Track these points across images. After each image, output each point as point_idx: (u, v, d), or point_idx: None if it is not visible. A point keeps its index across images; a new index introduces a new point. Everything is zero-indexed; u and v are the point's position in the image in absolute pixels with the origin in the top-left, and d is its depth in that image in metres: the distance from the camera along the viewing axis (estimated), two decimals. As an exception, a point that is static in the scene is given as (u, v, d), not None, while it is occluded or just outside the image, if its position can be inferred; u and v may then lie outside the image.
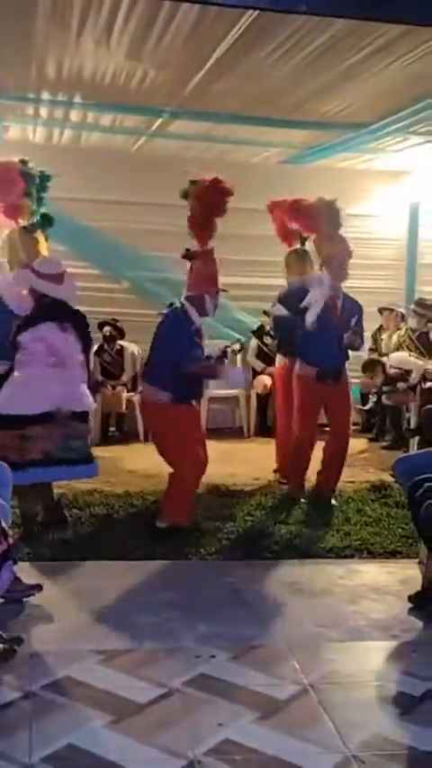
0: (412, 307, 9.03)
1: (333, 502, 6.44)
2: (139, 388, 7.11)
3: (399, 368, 8.49)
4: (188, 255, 5.91)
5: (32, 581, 4.39)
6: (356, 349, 6.72)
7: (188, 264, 5.87)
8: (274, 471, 7.31)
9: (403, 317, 9.24)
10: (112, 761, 2.99)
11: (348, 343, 6.38)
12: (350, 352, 6.67)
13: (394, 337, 9.12)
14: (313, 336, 6.39)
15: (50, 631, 4.08)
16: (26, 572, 4.38)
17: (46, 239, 6.21)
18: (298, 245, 7.31)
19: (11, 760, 2.97)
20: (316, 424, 6.72)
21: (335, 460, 6.63)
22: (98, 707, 3.35)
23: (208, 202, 6.02)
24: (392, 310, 9.36)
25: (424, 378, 8.32)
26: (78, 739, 3.11)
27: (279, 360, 7.35)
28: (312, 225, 6.77)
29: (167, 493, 5.73)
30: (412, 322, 8.88)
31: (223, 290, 5.77)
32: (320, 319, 6.36)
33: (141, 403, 5.77)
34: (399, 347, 8.86)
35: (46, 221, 6.27)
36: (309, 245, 7.06)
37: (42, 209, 6.37)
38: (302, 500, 6.51)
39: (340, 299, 6.52)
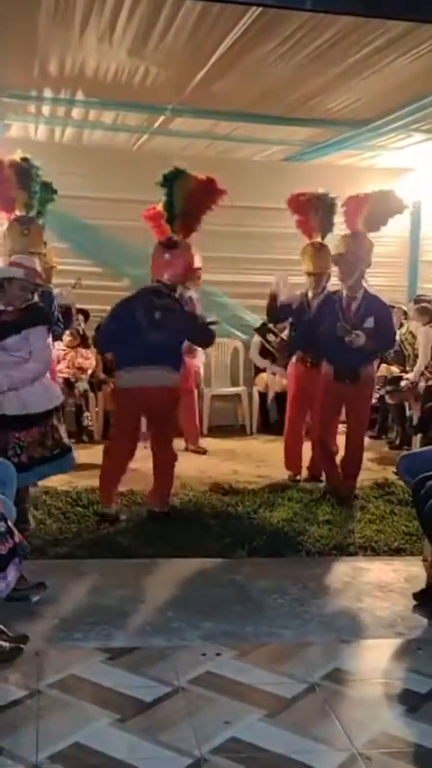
0: (414, 307, 9.00)
1: (351, 499, 6.46)
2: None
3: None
4: (171, 244, 5.94)
5: (37, 579, 4.38)
6: (371, 350, 6.48)
7: (162, 251, 5.91)
8: (286, 467, 7.30)
9: (406, 314, 9.23)
10: (118, 759, 2.99)
11: (348, 343, 6.22)
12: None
13: (396, 335, 9.08)
14: (330, 337, 6.39)
15: (56, 629, 4.07)
16: (31, 570, 4.37)
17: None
18: (317, 239, 7.24)
19: (17, 758, 2.97)
20: (335, 423, 6.75)
21: (351, 459, 6.69)
22: (104, 705, 3.35)
23: (203, 201, 6.04)
24: (394, 307, 9.34)
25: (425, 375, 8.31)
26: (84, 738, 3.11)
27: (294, 357, 7.29)
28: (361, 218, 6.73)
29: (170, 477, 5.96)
30: (421, 319, 8.80)
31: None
32: (334, 320, 6.38)
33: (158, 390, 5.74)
34: (401, 344, 8.84)
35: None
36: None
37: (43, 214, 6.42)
38: (324, 497, 6.54)
39: (357, 299, 6.47)
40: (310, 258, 7.08)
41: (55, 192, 6.49)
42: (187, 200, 6.11)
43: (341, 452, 6.73)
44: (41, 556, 4.95)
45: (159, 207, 6.86)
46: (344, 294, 6.51)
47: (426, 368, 8.26)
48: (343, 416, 6.89)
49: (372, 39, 5.28)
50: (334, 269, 6.94)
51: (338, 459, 6.73)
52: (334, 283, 7.04)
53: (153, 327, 5.67)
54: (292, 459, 7.25)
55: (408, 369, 8.60)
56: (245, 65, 5.93)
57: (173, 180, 6.11)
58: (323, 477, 6.91)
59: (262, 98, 6.85)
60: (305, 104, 7.00)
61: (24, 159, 6.06)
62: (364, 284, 6.58)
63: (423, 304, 8.50)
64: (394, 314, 9.20)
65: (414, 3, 4.24)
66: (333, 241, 6.95)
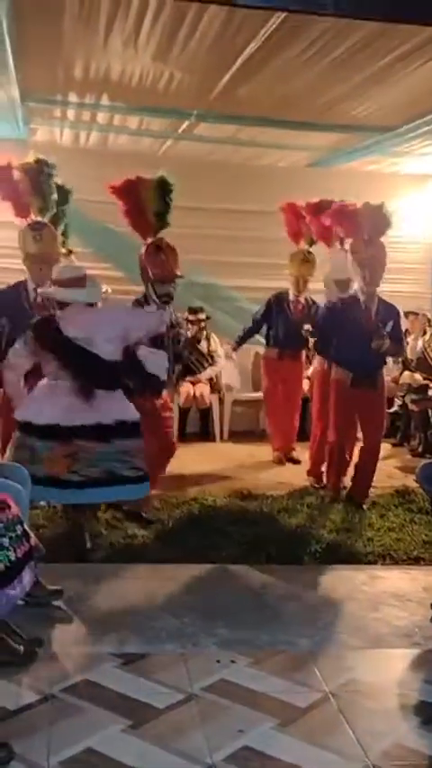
0: None
1: (364, 507, 6.45)
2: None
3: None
4: (161, 244, 5.97)
5: (53, 584, 4.38)
6: (391, 354, 6.76)
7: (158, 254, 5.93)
8: (308, 474, 7.32)
9: (430, 321, 9.19)
10: (129, 765, 2.98)
11: (376, 347, 6.31)
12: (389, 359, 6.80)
13: (420, 341, 9.06)
14: (347, 342, 6.45)
15: (70, 634, 4.07)
16: (46, 575, 4.36)
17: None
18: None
19: (29, 763, 2.97)
20: (352, 429, 6.75)
21: (366, 465, 6.69)
22: (116, 711, 3.34)
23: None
24: (417, 314, 9.35)
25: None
26: (96, 743, 3.10)
27: (316, 362, 7.45)
28: (354, 228, 6.73)
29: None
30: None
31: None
32: (353, 324, 6.39)
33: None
34: (424, 351, 8.80)
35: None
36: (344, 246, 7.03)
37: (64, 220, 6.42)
38: (337, 504, 6.53)
39: (375, 303, 6.51)
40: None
41: (69, 192, 6.45)
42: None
43: (355, 458, 6.78)
44: (56, 560, 4.92)
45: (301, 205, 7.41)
46: (362, 300, 6.49)
47: None
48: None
49: (397, 44, 5.26)
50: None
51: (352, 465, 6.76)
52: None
53: None
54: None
55: (430, 377, 8.55)
56: (269, 70, 5.93)
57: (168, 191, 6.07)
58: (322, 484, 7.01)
59: (286, 103, 6.84)
60: (330, 110, 6.99)
61: (38, 161, 5.97)
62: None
63: None
64: (418, 321, 9.25)
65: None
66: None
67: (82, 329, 4.86)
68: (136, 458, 4.94)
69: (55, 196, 6.13)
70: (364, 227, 6.59)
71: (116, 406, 4.93)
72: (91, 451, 4.84)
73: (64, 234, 6.59)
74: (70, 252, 7.24)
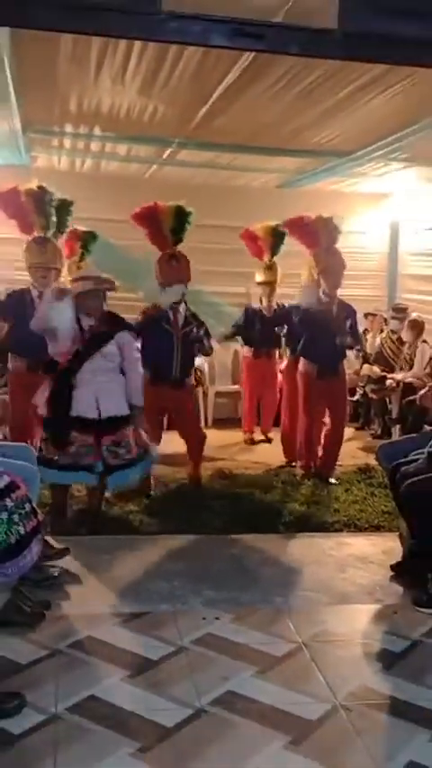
0: (390, 313, 9.00)
1: (332, 480, 6.50)
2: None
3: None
4: (176, 256, 6.13)
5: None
6: (351, 347, 6.80)
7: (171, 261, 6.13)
8: (284, 455, 7.34)
9: (386, 321, 9.22)
10: (128, 710, 3.00)
11: (341, 342, 6.44)
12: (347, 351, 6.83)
13: (378, 339, 9.10)
14: (314, 338, 6.52)
15: (74, 597, 4.07)
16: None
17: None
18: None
19: (39, 710, 2.98)
20: (319, 414, 6.77)
21: (333, 446, 6.74)
22: (116, 663, 3.36)
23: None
24: (375, 315, 9.40)
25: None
26: (99, 691, 3.12)
27: (285, 358, 7.54)
28: (312, 240, 6.75)
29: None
30: (393, 323, 8.81)
31: None
32: (319, 323, 6.43)
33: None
34: (382, 346, 8.85)
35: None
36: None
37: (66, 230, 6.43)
38: (308, 480, 6.56)
39: (335, 305, 6.54)
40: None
41: (70, 204, 6.45)
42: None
43: (323, 442, 6.79)
44: (59, 533, 4.88)
45: (254, 228, 7.58)
46: (325, 303, 6.53)
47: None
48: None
49: (353, 78, 5.24)
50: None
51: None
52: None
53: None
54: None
55: (387, 369, 8.58)
56: (242, 103, 5.90)
57: (185, 216, 6.18)
58: (295, 463, 7.02)
59: (258, 132, 6.82)
60: (296, 137, 6.96)
61: (40, 187, 6.02)
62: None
63: (413, 317, 8.43)
64: (376, 320, 9.29)
65: (390, 47, 4.20)
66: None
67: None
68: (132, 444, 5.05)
69: (54, 218, 6.14)
70: (320, 238, 6.62)
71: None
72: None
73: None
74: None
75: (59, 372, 4.97)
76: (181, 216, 6.17)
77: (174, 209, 6.16)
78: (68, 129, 6.97)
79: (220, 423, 8.91)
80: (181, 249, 6.25)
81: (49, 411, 4.96)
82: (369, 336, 9.35)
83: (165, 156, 7.88)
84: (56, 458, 4.89)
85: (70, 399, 4.91)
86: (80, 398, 4.91)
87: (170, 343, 6.02)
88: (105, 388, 4.97)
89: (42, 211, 6.01)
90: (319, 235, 6.66)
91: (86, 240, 6.84)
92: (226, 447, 7.82)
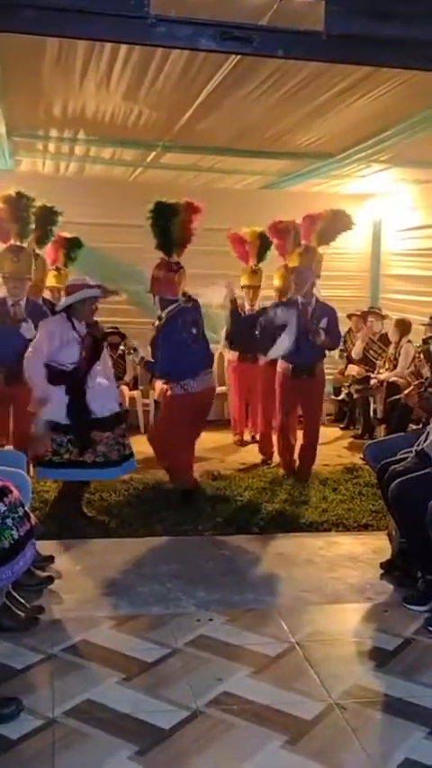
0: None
1: (308, 482, 6.51)
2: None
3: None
4: (178, 267, 6.02)
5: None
6: (328, 347, 6.73)
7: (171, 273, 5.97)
8: (259, 451, 7.44)
9: (365, 321, 9.22)
10: (124, 713, 2.99)
11: (313, 340, 6.39)
12: (326, 351, 6.80)
13: (360, 338, 9.11)
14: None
15: (68, 601, 4.05)
16: (44, 549, 4.33)
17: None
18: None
19: (36, 714, 2.96)
20: (294, 413, 6.79)
21: (308, 447, 6.75)
22: (111, 666, 3.35)
23: (191, 221, 6.07)
24: (360, 315, 9.38)
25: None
26: (95, 695, 3.11)
27: (262, 359, 7.40)
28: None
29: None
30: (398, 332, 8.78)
31: None
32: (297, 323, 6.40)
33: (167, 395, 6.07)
34: (364, 346, 8.88)
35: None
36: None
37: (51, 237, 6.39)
38: (286, 478, 6.60)
39: (311, 305, 6.56)
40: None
41: (58, 213, 6.39)
42: (183, 226, 6.09)
43: (299, 441, 6.81)
44: (53, 536, 4.89)
45: (242, 233, 7.59)
46: (299, 302, 6.54)
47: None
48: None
49: (335, 82, 5.26)
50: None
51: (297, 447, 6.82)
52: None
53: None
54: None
55: (370, 369, 8.62)
56: (225, 106, 5.90)
57: (168, 213, 6.04)
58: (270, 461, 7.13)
59: (241, 135, 6.83)
60: (279, 140, 6.98)
61: (18, 193, 5.91)
62: (315, 293, 6.65)
63: (402, 318, 8.46)
64: (359, 320, 9.29)
65: (372, 50, 4.22)
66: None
67: None
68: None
69: (32, 225, 6.07)
70: (322, 231, 6.67)
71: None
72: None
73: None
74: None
75: (73, 380, 5.09)
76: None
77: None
78: (53, 132, 6.94)
79: (209, 424, 8.88)
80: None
81: (69, 417, 5.07)
82: (358, 335, 9.31)
83: (149, 159, 7.88)
84: (81, 458, 5.06)
85: (86, 402, 5.10)
86: (93, 400, 5.13)
87: None
88: (105, 387, 5.24)
89: (19, 218, 5.91)
90: (312, 232, 6.69)
91: (69, 247, 6.81)
92: (213, 448, 7.81)
